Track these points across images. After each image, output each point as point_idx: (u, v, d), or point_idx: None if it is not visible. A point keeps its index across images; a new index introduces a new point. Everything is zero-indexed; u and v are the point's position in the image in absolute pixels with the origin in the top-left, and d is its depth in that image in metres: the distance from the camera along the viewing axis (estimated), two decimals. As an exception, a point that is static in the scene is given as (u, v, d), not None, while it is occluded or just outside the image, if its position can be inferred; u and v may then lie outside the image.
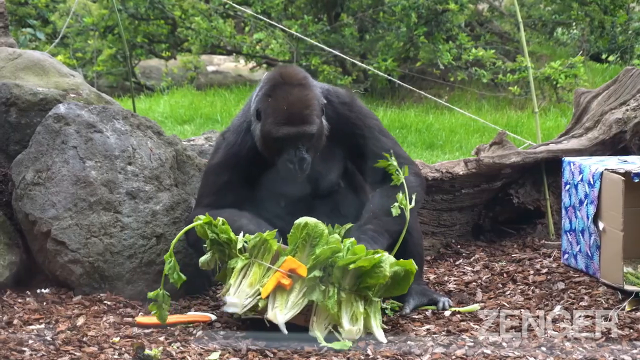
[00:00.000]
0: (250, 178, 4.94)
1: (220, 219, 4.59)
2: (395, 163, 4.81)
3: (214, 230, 4.54)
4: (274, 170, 4.87)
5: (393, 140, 5.17)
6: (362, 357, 4.22)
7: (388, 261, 4.42)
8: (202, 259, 4.62)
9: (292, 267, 4.41)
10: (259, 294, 4.42)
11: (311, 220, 4.48)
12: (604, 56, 13.74)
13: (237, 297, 4.45)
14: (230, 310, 4.47)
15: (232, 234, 4.54)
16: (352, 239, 4.52)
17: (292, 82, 4.80)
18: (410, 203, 4.78)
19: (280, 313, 4.36)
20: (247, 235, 4.55)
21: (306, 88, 4.81)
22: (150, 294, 4.60)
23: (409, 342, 4.39)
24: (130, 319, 4.66)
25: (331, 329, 4.41)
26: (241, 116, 5.06)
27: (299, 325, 4.39)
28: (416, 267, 4.57)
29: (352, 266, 4.37)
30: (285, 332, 4.32)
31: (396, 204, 4.76)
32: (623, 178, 5.04)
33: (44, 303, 4.89)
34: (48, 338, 4.32)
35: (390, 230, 4.79)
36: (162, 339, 4.41)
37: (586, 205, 5.33)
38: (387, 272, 4.39)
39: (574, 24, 13.93)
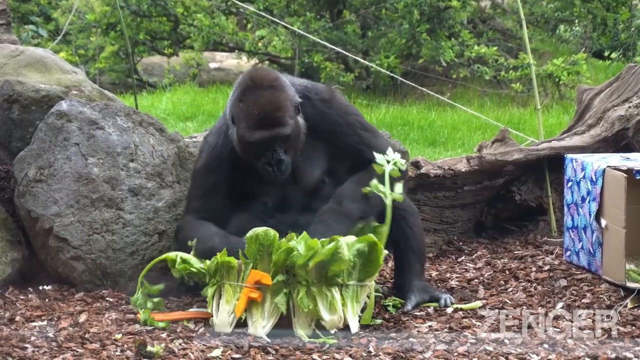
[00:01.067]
0: (235, 179, 4.95)
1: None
2: (386, 164, 4.79)
3: (187, 264, 4.65)
4: (254, 173, 4.87)
5: (374, 133, 5.13)
6: (364, 354, 4.23)
7: (344, 245, 4.43)
8: (203, 290, 4.69)
9: (257, 278, 4.46)
10: None
11: (260, 230, 4.51)
12: (606, 53, 13.73)
13: (221, 318, 4.51)
14: (221, 331, 4.49)
15: (196, 265, 4.64)
16: (304, 233, 4.55)
17: (263, 85, 4.76)
18: (392, 191, 4.76)
19: (260, 326, 4.45)
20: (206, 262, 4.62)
21: (277, 89, 4.78)
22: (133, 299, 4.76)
23: (411, 339, 4.39)
24: (132, 316, 4.66)
25: (314, 326, 4.45)
26: (221, 119, 5.05)
27: (286, 328, 4.45)
28: (377, 239, 4.55)
29: (311, 263, 4.40)
30: (269, 340, 4.37)
31: (368, 188, 4.74)
32: (625, 175, 5.03)
33: (46, 300, 4.89)
34: (50, 335, 4.32)
35: (352, 215, 4.79)
36: (164, 335, 4.41)
37: (588, 202, 5.32)
38: (345, 256, 4.41)
39: (576, 21, 13.91)
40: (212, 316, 4.56)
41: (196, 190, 5.03)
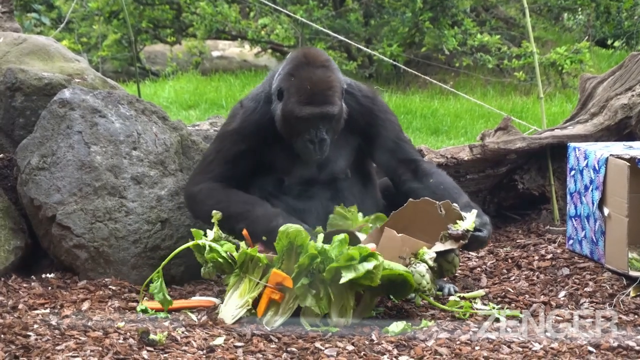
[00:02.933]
0: (261, 151, 4.96)
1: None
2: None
3: (216, 252, 4.55)
4: (283, 148, 4.88)
5: (409, 139, 5.26)
6: (367, 342, 4.23)
7: (380, 268, 4.36)
8: (203, 270, 4.63)
9: (278, 280, 4.41)
10: (248, 305, 4.45)
11: (293, 227, 4.44)
12: (609, 42, 13.69)
13: (228, 308, 4.48)
14: (224, 318, 4.47)
15: (224, 255, 4.55)
16: (342, 236, 4.44)
17: (316, 63, 4.84)
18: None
19: (273, 320, 4.42)
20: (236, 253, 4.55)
21: (329, 69, 4.85)
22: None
23: (413, 327, 4.39)
24: (134, 304, 4.67)
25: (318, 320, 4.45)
26: (260, 87, 5.09)
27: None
28: (414, 282, 4.53)
29: (343, 278, 4.32)
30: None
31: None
32: (628, 164, 5.03)
33: (49, 288, 4.90)
34: (53, 323, 4.33)
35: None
36: (166, 324, 4.41)
37: (591, 191, 5.32)
38: (377, 278, 4.35)
39: (579, 9, 13.87)
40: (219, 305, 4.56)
41: (223, 154, 4.98)
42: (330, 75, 4.83)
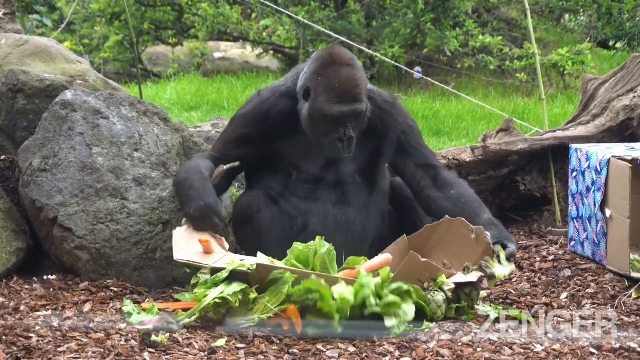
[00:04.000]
0: (268, 141, 4.98)
1: None
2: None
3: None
4: (291, 142, 4.93)
5: (429, 148, 5.28)
6: (369, 344, 4.23)
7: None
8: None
9: (291, 316, 4.34)
10: (254, 322, 4.38)
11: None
12: (611, 43, 13.67)
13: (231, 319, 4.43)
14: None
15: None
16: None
17: (342, 62, 4.90)
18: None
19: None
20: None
21: (355, 68, 4.91)
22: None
23: (415, 329, 4.39)
24: (137, 305, 4.66)
25: None
26: (282, 81, 5.17)
27: None
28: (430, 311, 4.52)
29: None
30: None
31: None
32: (630, 165, 5.03)
33: (51, 289, 4.90)
34: (55, 324, 4.33)
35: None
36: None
37: (593, 192, 5.32)
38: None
39: (581, 10, 13.85)
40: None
41: (226, 135, 5.13)
42: (357, 74, 4.89)
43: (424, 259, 4.55)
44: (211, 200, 4.76)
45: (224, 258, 4.56)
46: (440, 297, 4.52)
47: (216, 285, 4.42)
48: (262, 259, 4.52)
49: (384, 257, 4.62)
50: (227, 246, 4.70)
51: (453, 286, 4.57)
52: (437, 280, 4.56)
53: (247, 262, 4.46)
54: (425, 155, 5.11)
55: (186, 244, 4.64)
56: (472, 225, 4.69)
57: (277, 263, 4.50)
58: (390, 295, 4.34)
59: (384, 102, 5.11)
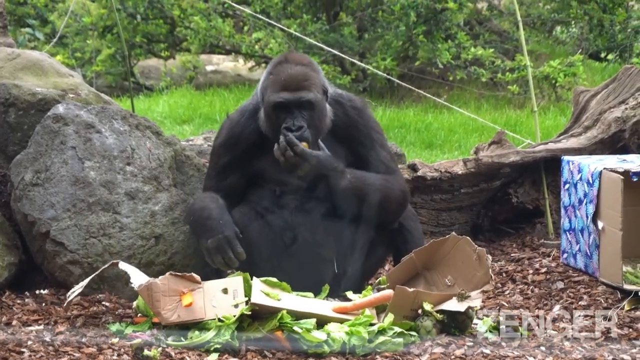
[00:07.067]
0: (251, 160, 4.98)
1: None
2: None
3: None
4: (272, 157, 4.86)
5: (391, 156, 5.23)
6: (362, 357, 4.22)
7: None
8: None
9: (279, 337, 4.34)
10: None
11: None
12: (603, 55, 13.72)
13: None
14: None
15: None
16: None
17: (295, 62, 4.92)
18: None
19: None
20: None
21: (308, 67, 4.92)
22: None
23: (408, 341, 4.38)
24: (129, 320, 4.65)
25: None
26: (248, 100, 5.15)
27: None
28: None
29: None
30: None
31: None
32: (622, 177, 5.04)
33: (43, 304, 4.89)
34: (47, 339, 4.32)
35: (362, 188, 4.87)
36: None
37: (585, 204, 5.32)
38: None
39: (573, 22, 13.89)
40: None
41: (212, 167, 5.13)
42: (309, 72, 4.90)
43: (411, 289, 4.51)
44: (230, 233, 4.76)
45: (209, 297, 4.49)
46: (428, 322, 4.48)
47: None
48: (257, 285, 4.50)
49: (384, 293, 4.59)
50: (197, 277, 4.60)
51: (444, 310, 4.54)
52: (423, 307, 4.52)
53: (242, 307, 4.41)
54: (377, 169, 5.01)
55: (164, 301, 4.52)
56: (476, 246, 4.68)
57: (274, 290, 4.49)
58: (380, 337, 4.33)
59: (352, 109, 5.08)
